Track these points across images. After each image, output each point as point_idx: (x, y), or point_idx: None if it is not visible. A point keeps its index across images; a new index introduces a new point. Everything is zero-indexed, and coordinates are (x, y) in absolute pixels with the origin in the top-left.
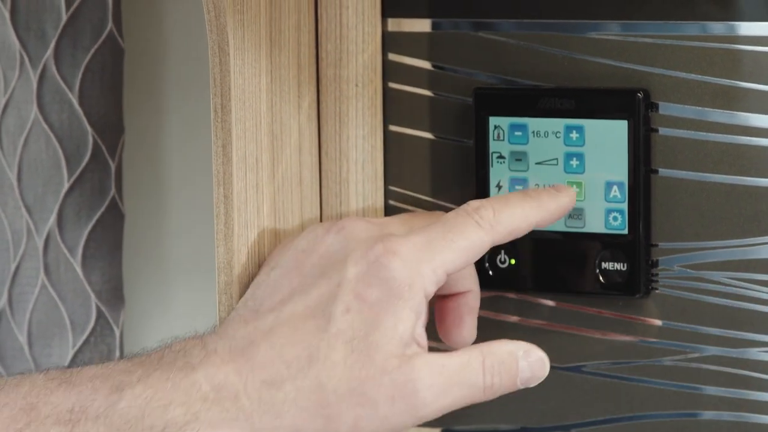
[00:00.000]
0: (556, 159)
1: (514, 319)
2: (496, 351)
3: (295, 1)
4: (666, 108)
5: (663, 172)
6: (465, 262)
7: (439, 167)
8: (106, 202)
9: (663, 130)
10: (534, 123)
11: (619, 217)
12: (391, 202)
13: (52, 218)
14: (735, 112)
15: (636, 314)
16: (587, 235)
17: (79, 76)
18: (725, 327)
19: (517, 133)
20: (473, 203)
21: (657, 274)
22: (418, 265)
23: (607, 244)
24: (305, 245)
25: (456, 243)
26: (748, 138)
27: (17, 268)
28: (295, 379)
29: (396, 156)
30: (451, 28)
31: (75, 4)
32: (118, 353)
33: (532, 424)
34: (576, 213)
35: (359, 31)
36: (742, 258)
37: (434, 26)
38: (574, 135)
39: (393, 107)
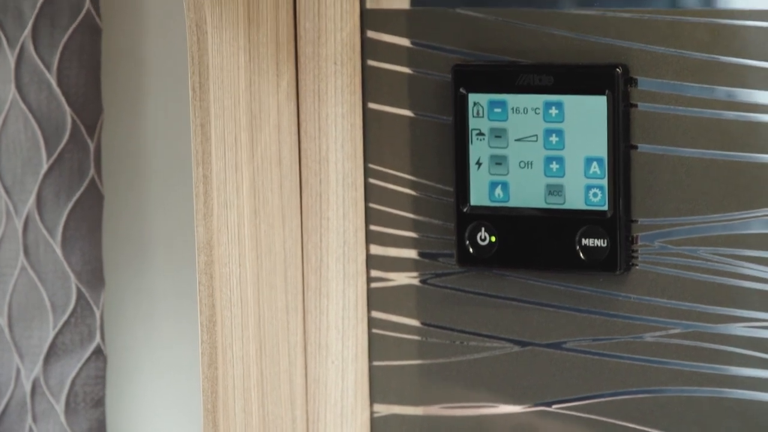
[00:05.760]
0: (536, 135)
1: (494, 296)
2: None
3: None
4: (645, 83)
5: (643, 147)
6: None
7: (419, 145)
8: (86, 183)
9: (642, 106)
10: (513, 99)
11: (599, 193)
12: (371, 180)
13: (31, 199)
14: (714, 87)
15: (616, 290)
16: (567, 212)
17: (57, 55)
18: (706, 303)
19: (496, 110)
20: None
21: (637, 250)
22: None
23: (588, 220)
24: None
25: None
26: (728, 112)
27: None
28: None
29: (376, 134)
30: (430, 4)
31: None
32: (98, 334)
33: (513, 401)
34: (556, 189)
35: (337, 9)
36: (722, 233)
37: (413, 3)
38: (553, 111)
39: (372, 85)
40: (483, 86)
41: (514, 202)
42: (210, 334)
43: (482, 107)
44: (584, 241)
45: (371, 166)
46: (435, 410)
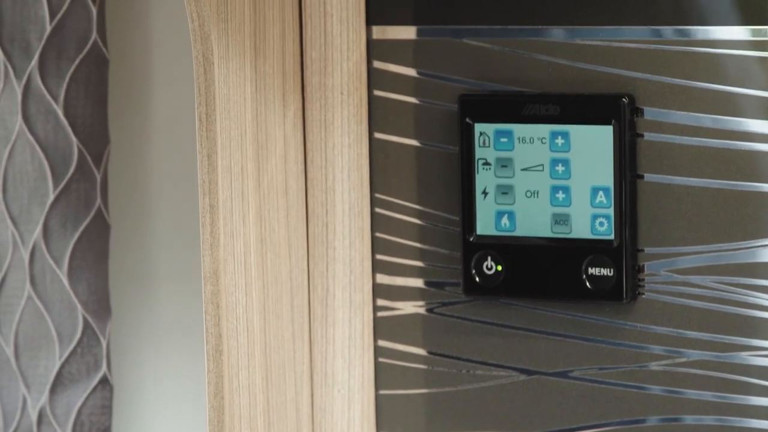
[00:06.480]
0: (542, 165)
1: (501, 324)
2: None
3: (279, 9)
4: (651, 113)
5: (649, 177)
6: None
7: (425, 174)
8: (92, 213)
9: (648, 135)
10: (519, 129)
11: (606, 222)
12: (378, 210)
13: (38, 229)
14: (720, 117)
15: (623, 319)
16: (573, 241)
17: (64, 86)
18: (712, 331)
19: (502, 140)
20: None
21: (643, 279)
22: None
23: (594, 249)
24: None
25: None
26: (734, 142)
27: (3, 279)
28: None
29: (382, 164)
30: (436, 35)
31: (59, 15)
32: (105, 364)
33: (519, 429)
34: (562, 219)
35: (344, 39)
36: (728, 262)
37: (419, 33)
38: (559, 141)
39: (378, 115)
40: (489, 116)
41: (520, 231)
42: (216, 363)
43: (488, 137)
44: (590, 270)
45: (377, 195)
46: None
